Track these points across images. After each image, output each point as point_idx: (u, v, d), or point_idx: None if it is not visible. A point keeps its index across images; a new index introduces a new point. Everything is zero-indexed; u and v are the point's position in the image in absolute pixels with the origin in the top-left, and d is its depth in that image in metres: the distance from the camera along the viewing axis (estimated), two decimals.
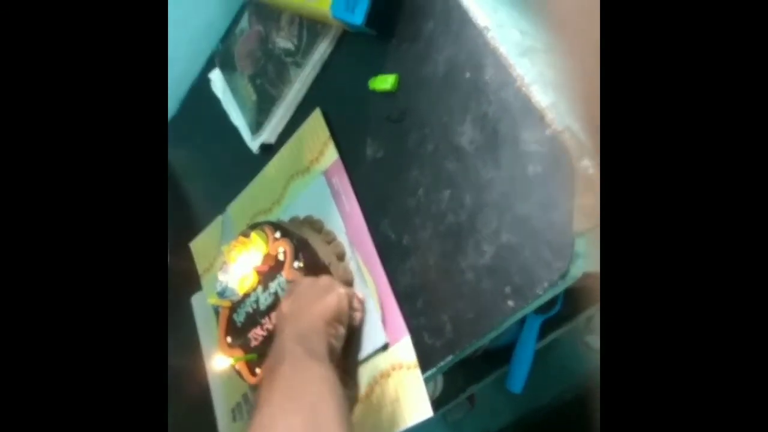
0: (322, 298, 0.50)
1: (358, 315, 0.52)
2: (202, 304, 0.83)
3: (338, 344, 0.49)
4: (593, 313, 1.00)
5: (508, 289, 0.48)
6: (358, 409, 0.59)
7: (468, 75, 0.53)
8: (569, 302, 0.76)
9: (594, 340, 1.09)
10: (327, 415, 0.40)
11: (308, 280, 0.55)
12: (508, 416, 1.22)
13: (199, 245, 0.85)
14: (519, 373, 0.77)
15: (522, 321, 0.78)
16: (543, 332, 0.79)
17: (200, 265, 0.85)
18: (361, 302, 0.53)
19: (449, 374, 0.79)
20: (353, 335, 0.52)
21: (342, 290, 0.51)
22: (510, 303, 0.48)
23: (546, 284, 0.46)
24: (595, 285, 0.70)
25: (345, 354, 0.50)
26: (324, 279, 0.56)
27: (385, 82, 0.60)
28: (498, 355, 0.81)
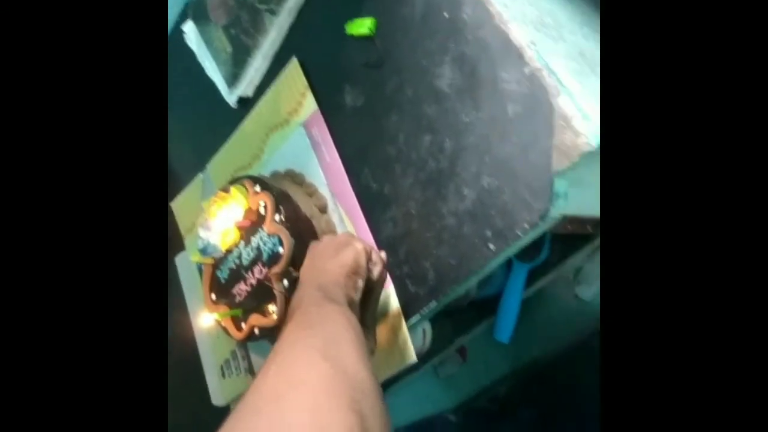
0: (340, 253, 0.50)
1: (376, 269, 0.52)
2: (186, 264, 0.82)
3: (357, 296, 0.49)
4: (582, 263, 1.00)
5: (488, 233, 0.48)
6: None
7: (446, 14, 0.52)
8: (555, 250, 0.76)
9: (584, 291, 1.10)
10: (346, 344, 0.40)
11: (327, 238, 0.55)
12: (500, 369, 1.24)
13: (180, 205, 0.84)
14: (506, 322, 0.77)
15: (509, 270, 0.78)
16: (530, 281, 0.79)
17: (182, 224, 0.84)
18: (381, 257, 0.53)
19: (438, 326, 0.79)
20: (372, 289, 0.52)
21: (359, 245, 0.51)
22: (491, 246, 0.47)
23: (526, 226, 0.45)
24: (580, 231, 0.69)
25: (363, 307, 0.50)
26: (342, 235, 0.55)
27: (362, 26, 0.58)
28: (486, 306, 0.81)
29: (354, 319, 0.45)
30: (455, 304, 0.77)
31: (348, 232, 0.58)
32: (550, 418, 1.17)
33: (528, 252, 0.75)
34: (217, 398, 0.76)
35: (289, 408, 0.31)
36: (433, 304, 0.52)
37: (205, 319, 0.65)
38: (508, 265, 0.78)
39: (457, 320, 0.84)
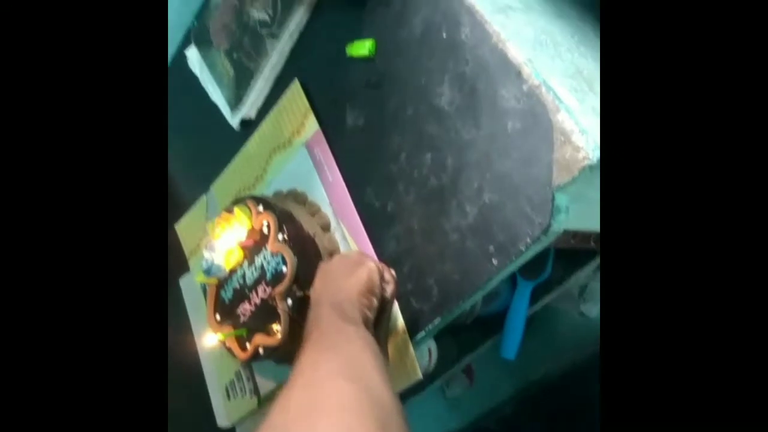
0: (354, 272, 0.50)
1: (389, 287, 0.52)
2: (190, 285, 0.82)
3: (371, 315, 0.49)
4: (587, 280, 1.00)
5: (491, 248, 0.48)
6: None
7: (444, 35, 0.53)
8: (559, 267, 0.76)
9: (590, 309, 1.10)
10: (368, 364, 0.40)
11: (338, 257, 0.55)
12: (507, 389, 1.23)
13: (184, 227, 0.85)
14: (512, 340, 0.77)
15: (513, 287, 0.78)
16: (535, 298, 0.79)
17: (186, 246, 0.84)
18: (393, 275, 0.53)
19: (443, 344, 0.79)
20: (384, 308, 0.52)
21: (372, 264, 0.51)
22: (494, 261, 0.48)
23: (528, 240, 0.45)
24: (583, 247, 0.69)
25: (376, 325, 0.50)
26: (354, 254, 0.56)
27: (362, 47, 0.59)
28: (491, 323, 0.81)
29: (371, 339, 0.45)
30: (460, 321, 0.77)
31: (359, 251, 0.58)
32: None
33: (532, 269, 0.75)
34: (222, 420, 0.75)
35: (321, 429, 0.32)
36: (437, 320, 0.52)
37: (210, 340, 0.65)
38: (513, 282, 0.79)
39: (463, 339, 0.84)
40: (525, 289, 0.76)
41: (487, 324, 0.81)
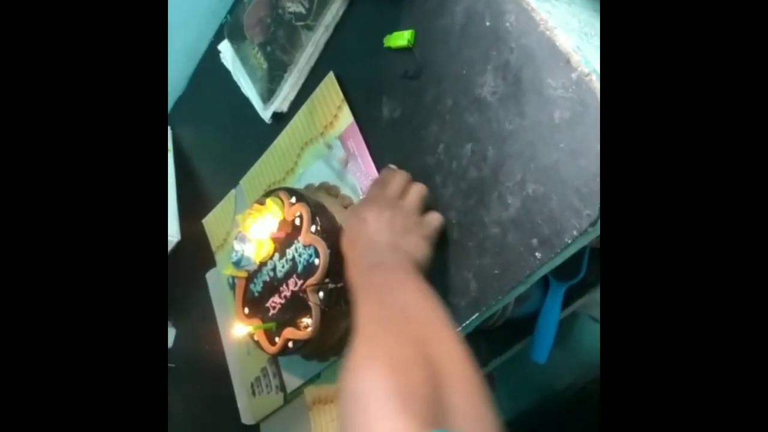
0: (380, 216, 0.50)
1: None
2: (217, 280, 0.82)
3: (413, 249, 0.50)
4: None
5: (534, 242, 0.46)
6: None
7: (488, 23, 0.51)
8: (593, 270, 0.74)
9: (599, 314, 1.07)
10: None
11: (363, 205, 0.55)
12: (527, 402, 1.20)
13: (212, 222, 0.84)
14: (543, 342, 0.75)
15: (546, 289, 0.76)
16: (567, 301, 0.76)
17: (214, 241, 0.83)
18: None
19: (473, 346, 0.77)
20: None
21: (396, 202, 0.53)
22: (538, 255, 0.46)
23: (575, 233, 0.44)
24: None
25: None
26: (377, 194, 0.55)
27: (401, 38, 0.58)
28: (521, 326, 0.79)
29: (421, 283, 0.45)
30: (490, 323, 0.75)
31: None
32: None
33: (566, 270, 0.73)
34: (247, 417, 0.74)
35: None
36: (475, 316, 0.51)
37: (238, 333, 0.64)
38: (545, 285, 0.77)
39: (492, 341, 0.81)
40: (558, 290, 0.74)
41: (518, 327, 0.79)
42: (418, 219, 0.52)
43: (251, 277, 0.65)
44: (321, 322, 0.56)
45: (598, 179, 0.43)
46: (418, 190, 0.53)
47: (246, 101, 0.78)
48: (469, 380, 0.37)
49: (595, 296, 0.81)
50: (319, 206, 0.60)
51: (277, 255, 0.62)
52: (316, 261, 0.56)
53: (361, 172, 0.62)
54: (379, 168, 0.60)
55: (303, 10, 0.68)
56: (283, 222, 0.61)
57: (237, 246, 0.64)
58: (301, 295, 0.58)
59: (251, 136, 0.78)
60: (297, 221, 0.60)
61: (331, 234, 0.58)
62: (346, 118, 0.64)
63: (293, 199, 0.61)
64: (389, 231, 0.49)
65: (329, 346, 0.61)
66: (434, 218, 0.53)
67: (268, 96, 0.73)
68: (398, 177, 0.54)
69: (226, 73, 0.81)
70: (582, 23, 0.51)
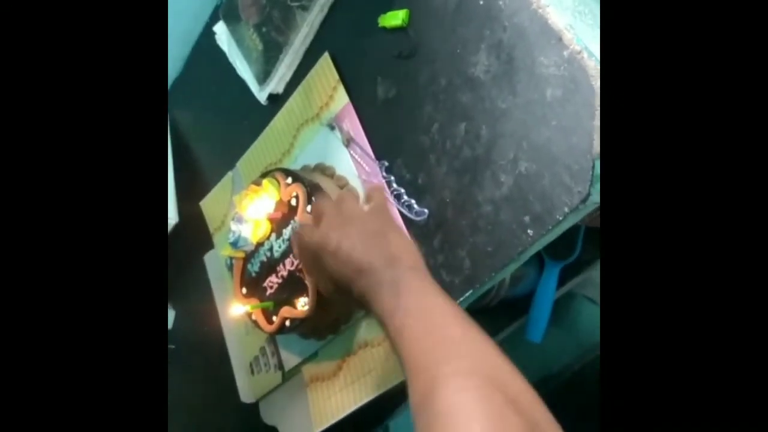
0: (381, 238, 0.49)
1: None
2: (214, 262, 0.83)
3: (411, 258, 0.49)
4: None
5: (527, 219, 0.47)
6: (376, 352, 0.59)
7: (481, 2, 0.51)
8: (588, 248, 0.75)
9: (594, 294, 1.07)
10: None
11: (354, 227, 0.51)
12: (528, 378, 1.21)
13: (209, 204, 0.85)
14: (539, 322, 0.76)
15: (540, 271, 0.77)
16: (562, 281, 0.77)
17: (211, 223, 0.84)
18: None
19: None
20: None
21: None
22: (530, 232, 0.47)
23: (566, 209, 0.44)
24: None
25: None
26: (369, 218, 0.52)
27: (395, 17, 0.58)
28: (516, 307, 0.80)
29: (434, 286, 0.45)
30: (485, 303, 0.76)
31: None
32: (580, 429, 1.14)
33: (560, 249, 0.74)
34: (247, 395, 0.75)
35: None
36: (469, 293, 0.51)
37: (236, 312, 0.65)
38: (540, 265, 0.77)
39: (487, 320, 0.82)
40: (553, 269, 0.75)
41: (512, 307, 0.80)
42: (374, 212, 0.51)
43: (248, 257, 0.66)
44: (317, 301, 0.57)
45: (589, 156, 0.43)
46: (347, 190, 0.53)
47: (242, 83, 0.78)
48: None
49: (590, 276, 0.82)
50: (315, 186, 0.60)
51: (273, 235, 0.62)
52: None
53: (356, 153, 0.62)
54: (375, 148, 0.61)
55: None
56: (280, 202, 0.62)
57: (234, 227, 0.65)
58: (297, 274, 0.59)
59: (247, 118, 0.78)
60: (293, 201, 0.60)
61: None
62: (341, 98, 0.64)
63: (289, 180, 0.61)
64: (369, 244, 0.47)
65: (326, 324, 0.62)
66: (379, 197, 0.53)
67: (263, 77, 0.73)
68: (325, 200, 0.56)
69: (222, 55, 0.81)
70: (576, 1, 0.51)
